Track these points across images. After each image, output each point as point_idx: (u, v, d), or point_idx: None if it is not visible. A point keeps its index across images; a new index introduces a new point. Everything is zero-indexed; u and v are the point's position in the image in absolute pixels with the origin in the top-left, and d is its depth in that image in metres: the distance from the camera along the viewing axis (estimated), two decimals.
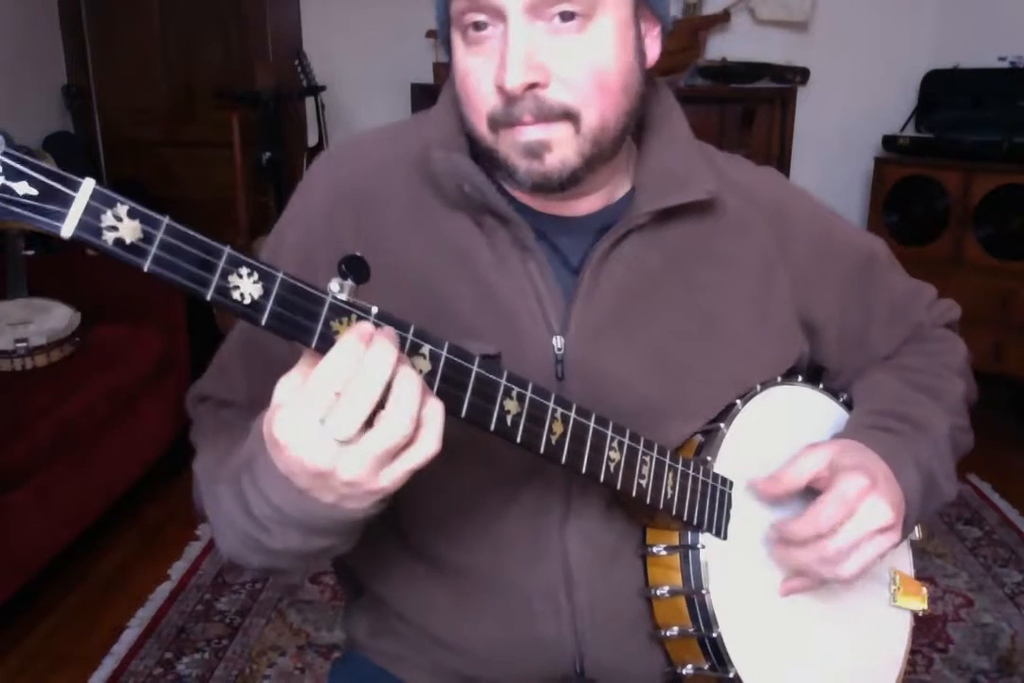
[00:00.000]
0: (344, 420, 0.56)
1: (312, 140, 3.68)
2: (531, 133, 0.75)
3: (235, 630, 2.13)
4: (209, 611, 2.21)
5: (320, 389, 0.56)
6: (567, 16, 0.73)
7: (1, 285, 2.57)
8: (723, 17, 3.59)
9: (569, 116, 0.75)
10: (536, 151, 0.75)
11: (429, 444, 0.59)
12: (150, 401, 2.60)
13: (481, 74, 0.75)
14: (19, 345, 2.34)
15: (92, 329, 2.55)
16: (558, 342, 0.82)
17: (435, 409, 0.59)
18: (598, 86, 0.75)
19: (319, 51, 3.71)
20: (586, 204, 0.86)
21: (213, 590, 2.27)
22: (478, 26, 0.74)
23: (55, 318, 2.48)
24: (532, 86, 0.73)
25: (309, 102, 3.66)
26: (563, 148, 0.76)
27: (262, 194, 3.55)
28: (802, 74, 3.65)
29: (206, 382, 0.95)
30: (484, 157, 0.81)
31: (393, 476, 0.59)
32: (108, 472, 2.40)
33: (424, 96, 3.46)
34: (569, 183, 0.78)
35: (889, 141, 3.39)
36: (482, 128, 0.78)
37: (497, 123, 0.76)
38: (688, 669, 0.83)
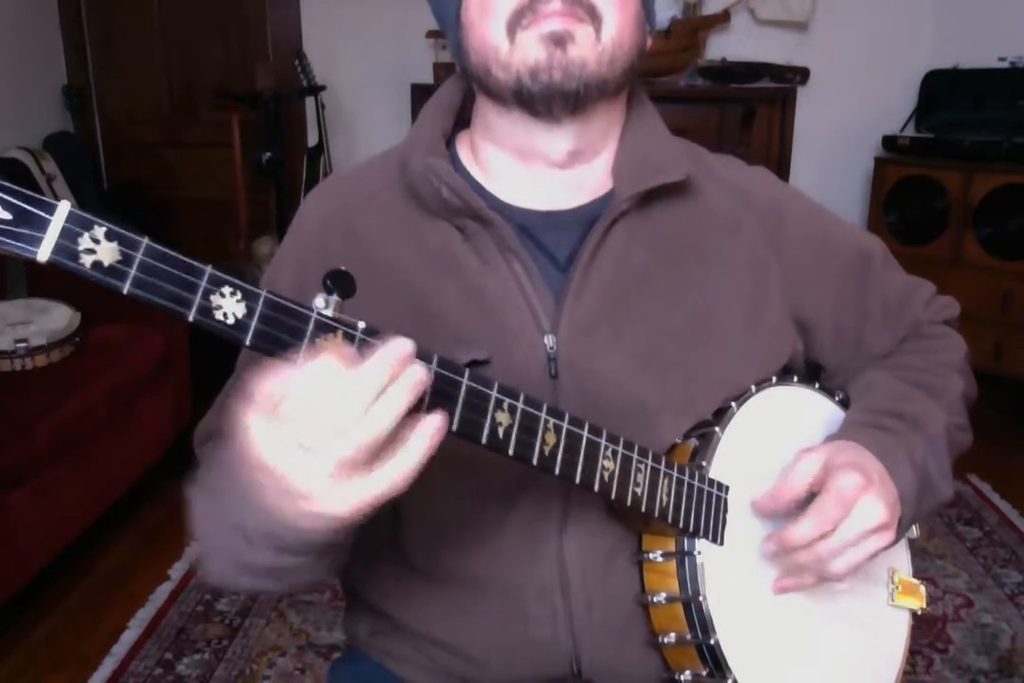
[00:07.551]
0: (309, 427, 0.53)
1: (312, 140, 3.68)
2: (556, 23, 0.76)
3: (235, 630, 2.13)
4: (209, 611, 2.21)
5: (292, 397, 0.53)
6: None
7: (1, 285, 2.57)
8: (723, 17, 3.59)
9: (594, 16, 0.77)
10: (561, 38, 0.76)
11: (394, 473, 0.55)
12: (150, 401, 2.60)
13: None
14: (19, 345, 2.34)
15: (92, 329, 2.55)
16: (550, 341, 0.82)
17: (419, 444, 0.55)
18: None
19: (319, 51, 3.71)
20: (572, 197, 0.87)
21: (213, 590, 2.27)
22: None
23: (55, 318, 2.48)
24: None
25: (309, 102, 3.66)
26: (584, 48, 0.77)
27: (262, 194, 3.55)
28: (802, 74, 3.64)
29: (207, 420, 0.93)
30: (491, 81, 0.80)
31: (349, 498, 0.55)
32: (108, 472, 2.40)
33: (424, 96, 3.43)
34: (584, 98, 0.79)
35: (889, 141, 3.39)
36: (497, 37, 0.78)
37: (520, 16, 0.76)
38: (686, 675, 0.82)
